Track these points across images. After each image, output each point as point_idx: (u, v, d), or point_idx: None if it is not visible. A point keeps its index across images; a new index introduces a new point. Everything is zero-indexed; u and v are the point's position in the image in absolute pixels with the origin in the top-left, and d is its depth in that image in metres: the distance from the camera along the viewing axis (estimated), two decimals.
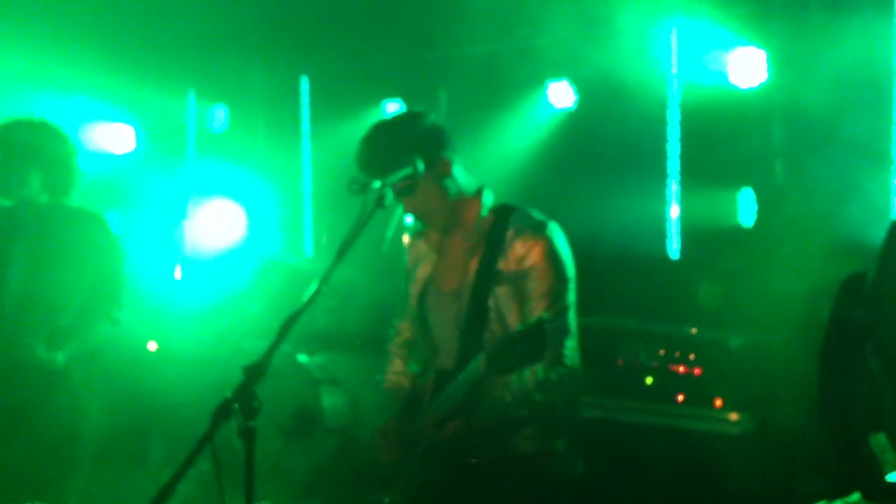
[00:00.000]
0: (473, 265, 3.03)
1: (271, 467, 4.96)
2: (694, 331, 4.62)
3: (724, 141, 5.14)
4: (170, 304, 6.06)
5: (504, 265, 2.98)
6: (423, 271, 3.21)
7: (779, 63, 4.93)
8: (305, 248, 6.72)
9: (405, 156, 2.94)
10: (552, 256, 2.98)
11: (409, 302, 3.27)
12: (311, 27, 6.11)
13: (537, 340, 2.69)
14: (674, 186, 5.48)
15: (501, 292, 2.99)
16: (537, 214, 3.07)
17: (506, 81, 5.68)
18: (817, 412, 2.68)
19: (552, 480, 3.04)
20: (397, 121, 3.12)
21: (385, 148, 2.99)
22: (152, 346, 6.10)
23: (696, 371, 4.39)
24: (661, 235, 5.47)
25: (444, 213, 3.07)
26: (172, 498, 2.23)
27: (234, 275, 6.03)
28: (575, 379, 3.03)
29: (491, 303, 2.99)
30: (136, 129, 6.66)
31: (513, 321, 2.98)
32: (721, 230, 5.18)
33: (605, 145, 5.50)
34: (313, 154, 6.62)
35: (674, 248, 5.47)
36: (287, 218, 6.62)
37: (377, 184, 2.84)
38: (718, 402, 4.30)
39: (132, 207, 6.32)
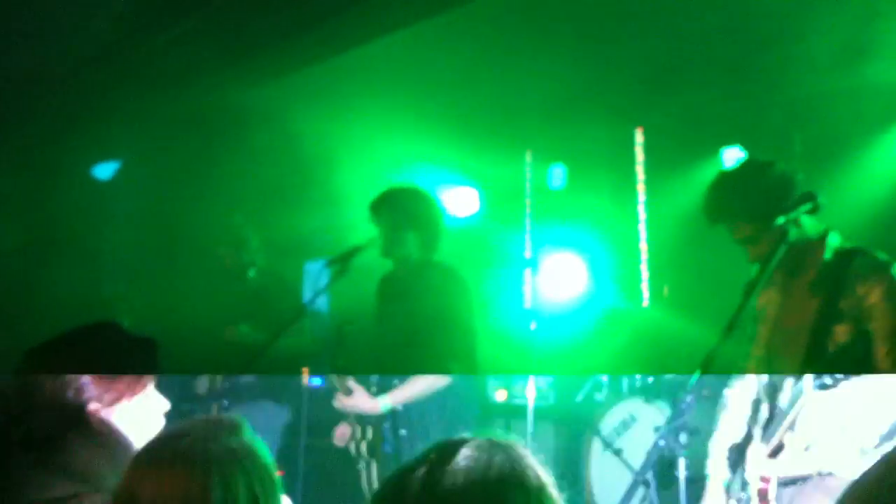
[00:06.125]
0: (815, 304, 3.07)
1: None
2: None
3: None
4: (521, 355, 6.29)
5: (845, 304, 3.00)
6: (770, 312, 3.32)
7: None
8: (643, 298, 6.75)
9: (754, 204, 3.08)
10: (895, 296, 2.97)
11: (756, 342, 3.35)
12: (644, 79, 6.20)
13: None
14: None
15: (841, 330, 3.02)
16: (882, 255, 3.08)
17: (860, 118, 5.41)
18: None
19: None
20: (747, 168, 3.21)
21: (738, 194, 3.14)
22: (501, 394, 6.34)
23: None
24: None
25: (788, 258, 3.10)
26: None
27: (580, 326, 6.16)
28: None
29: (833, 340, 3.01)
30: (479, 192, 7.05)
31: None
32: None
33: None
34: (649, 206, 6.67)
35: None
36: (625, 269, 6.69)
37: (781, 220, 2.91)
38: None
39: (480, 265, 6.66)
